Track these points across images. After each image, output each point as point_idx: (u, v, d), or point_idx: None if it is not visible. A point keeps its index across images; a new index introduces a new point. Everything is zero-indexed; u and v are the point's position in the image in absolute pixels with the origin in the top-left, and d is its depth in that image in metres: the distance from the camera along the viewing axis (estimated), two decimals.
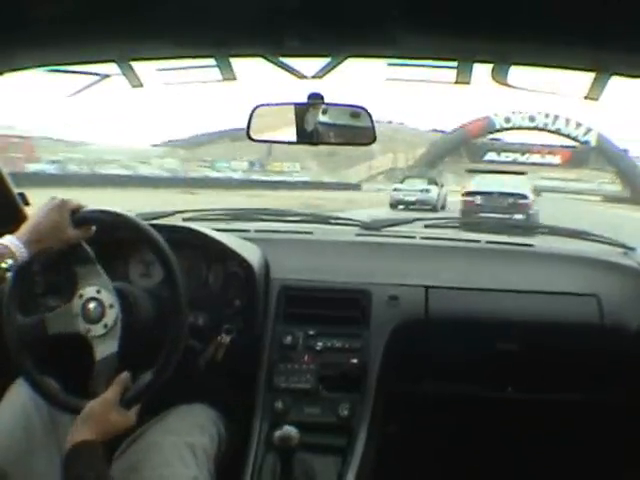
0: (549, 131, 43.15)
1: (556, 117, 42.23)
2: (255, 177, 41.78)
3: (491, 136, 44.27)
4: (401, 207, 18.34)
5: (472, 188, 13.33)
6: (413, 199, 18.61)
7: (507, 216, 11.42)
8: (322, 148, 1.76)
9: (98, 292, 1.40)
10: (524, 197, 12.69)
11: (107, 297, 1.40)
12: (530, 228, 2.32)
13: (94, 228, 1.41)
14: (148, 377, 1.38)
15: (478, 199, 12.73)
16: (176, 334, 1.40)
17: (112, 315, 1.39)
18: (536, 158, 44.59)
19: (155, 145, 60.73)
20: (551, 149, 44.68)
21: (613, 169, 41.59)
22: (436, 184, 20.18)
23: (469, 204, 12.74)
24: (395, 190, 19.58)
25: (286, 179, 39.23)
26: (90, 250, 1.43)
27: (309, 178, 43.65)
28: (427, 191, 19.18)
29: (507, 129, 43.62)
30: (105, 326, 1.38)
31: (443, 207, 18.90)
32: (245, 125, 1.63)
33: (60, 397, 1.41)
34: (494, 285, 1.90)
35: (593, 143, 42.02)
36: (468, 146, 42.20)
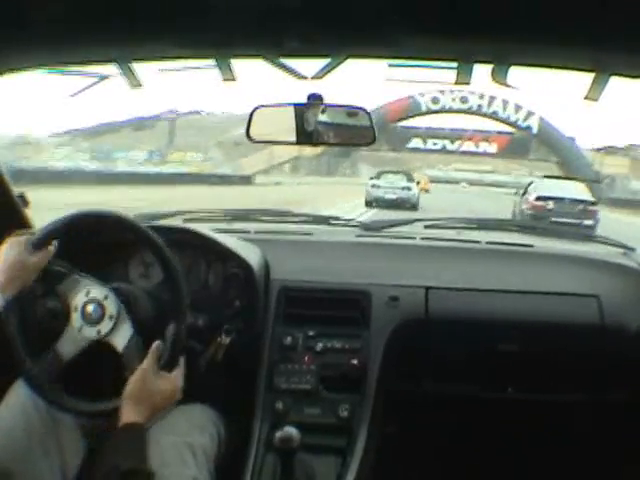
0: (484, 115, 36.61)
1: (492, 98, 35.68)
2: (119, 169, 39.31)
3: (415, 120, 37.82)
4: (375, 205, 17.21)
5: (542, 193, 13.33)
6: (394, 197, 17.73)
7: (578, 221, 11.92)
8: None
9: (87, 294, 1.40)
10: (593, 204, 13.19)
11: (98, 292, 1.41)
12: (530, 227, 2.32)
13: (55, 243, 1.42)
14: (172, 329, 1.39)
15: (550, 204, 12.86)
16: (175, 335, 1.40)
17: (111, 304, 1.40)
18: (469, 146, 38.91)
19: (55, 135, 59.29)
20: (486, 135, 38.54)
21: (556, 159, 35.23)
22: (413, 181, 19.50)
23: (540, 208, 12.80)
24: (373, 187, 18.33)
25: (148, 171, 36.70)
26: (61, 264, 1.44)
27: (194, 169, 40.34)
28: (408, 189, 18.37)
29: (434, 112, 36.82)
30: (110, 318, 1.39)
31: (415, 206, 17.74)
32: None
33: (85, 408, 1.41)
34: (494, 286, 1.90)
35: (535, 129, 36.01)
36: (387, 131, 34.99)
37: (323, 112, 1.60)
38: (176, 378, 1.38)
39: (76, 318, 1.40)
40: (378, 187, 18.36)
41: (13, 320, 1.38)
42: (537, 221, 11.61)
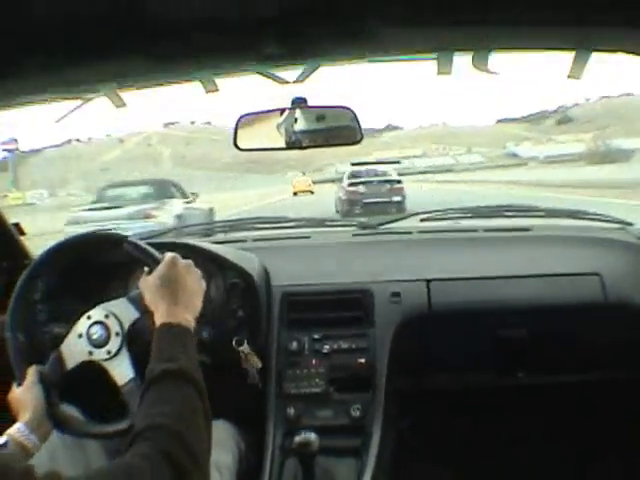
0: None
1: None
2: None
3: None
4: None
5: (354, 179, 14.70)
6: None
7: (387, 199, 13.59)
8: None
9: (89, 318, 1.37)
10: (399, 182, 14.67)
11: (113, 323, 1.37)
12: (526, 211, 2.31)
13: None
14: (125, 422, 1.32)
15: (361, 188, 14.26)
16: None
17: (114, 322, 1.36)
18: None
19: None
20: None
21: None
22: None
23: (353, 194, 14.18)
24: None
25: None
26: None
27: None
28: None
29: None
30: (117, 335, 1.35)
31: None
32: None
33: (88, 429, 1.39)
34: (495, 272, 1.90)
35: None
36: None
37: (311, 116, 1.60)
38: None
39: (83, 344, 1.38)
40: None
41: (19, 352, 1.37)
42: (353, 206, 13.68)
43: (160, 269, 1.27)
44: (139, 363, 1.36)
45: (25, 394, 1.28)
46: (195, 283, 1.30)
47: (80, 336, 1.37)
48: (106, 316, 1.38)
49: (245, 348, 1.66)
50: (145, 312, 1.35)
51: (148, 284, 1.27)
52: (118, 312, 1.36)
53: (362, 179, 14.61)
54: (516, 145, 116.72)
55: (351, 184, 14.51)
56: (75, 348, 1.36)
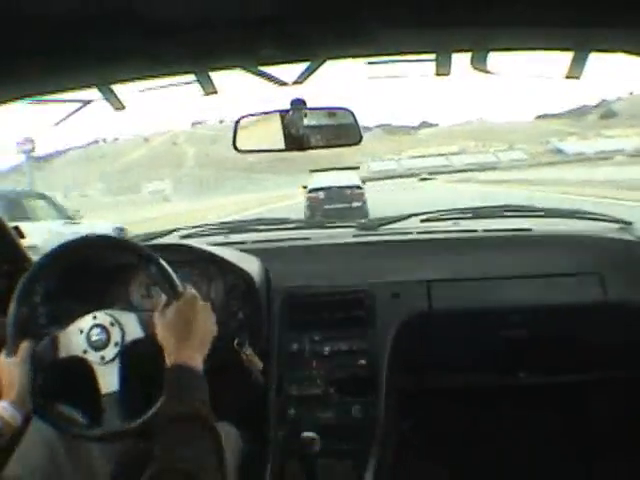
0: None
1: None
2: None
3: None
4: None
5: (313, 185, 14.66)
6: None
7: (348, 205, 13.74)
8: None
9: (94, 318, 1.39)
10: (359, 187, 14.66)
11: (116, 333, 1.37)
12: (526, 211, 2.31)
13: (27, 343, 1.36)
14: (129, 423, 1.33)
15: (321, 194, 14.26)
16: None
17: (117, 331, 1.37)
18: None
19: None
20: None
21: None
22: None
23: (314, 200, 14.26)
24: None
25: None
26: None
27: None
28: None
29: None
30: (116, 344, 1.35)
31: None
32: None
33: (75, 429, 1.39)
34: (495, 273, 1.90)
35: None
36: None
37: (308, 117, 1.60)
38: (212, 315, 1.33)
39: (81, 341, 1.38)
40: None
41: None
42: (313, 211, 13.78)
43: (180, 306, 1.28)
44: (125, 378, 1.36)
45: (14, 369, 1.29)
46: (210, 326, 1.32)
47: (81, 332, 1.37)
48: (111, 323, 1.38)
49: (246, 349, 1.66)
50: (150, 335, 1.36)
51: (165, 318, 1.27)
52: (124, 324, 1.37)
53: (322, 185, 14.49)
54: (560, 141, 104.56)
55: (311, 190, 14.60)
56: (72, 340, 1.37)
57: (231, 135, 1.68)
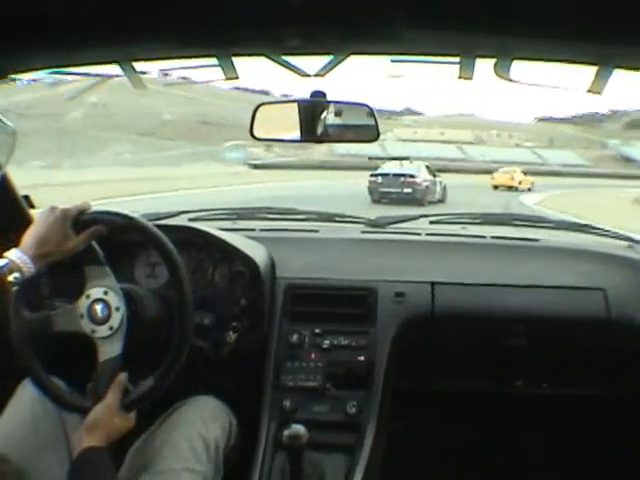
0: None
1: None
2: None
3: None
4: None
5: (377, 171, 17.83)
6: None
7: (399, 190, 16.44)
8: None
9: (105, 294, 1.40)
10: (412, 176, 17.09)
11: (114, 299, 1.40)
12: (535, 221, 2.31)
13: (103, 228, 1.41)
14: (149, 382, 1.39)
15: (379, 179, 17.20)
16: (181, 335, 1.40)
17: (118, 318, 1.39)
18: None
19: None
20: None
21: None
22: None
23: (373, 183, 17.19)
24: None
25: None
26: (100, 251, 1.44)
27: None
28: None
29: None
30: (110, 328, 1.38)
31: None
32: None
33: (66, 397, 1.42)
34: (500, 280, 1.90)
35: None
36: None
37: (327, 110, 1.60)
38: (131, 419, 1.39)
39: (83, 305, 1.40)
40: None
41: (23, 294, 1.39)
42: (371, 193, 16.77)
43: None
44: (124, 353, 1.39)
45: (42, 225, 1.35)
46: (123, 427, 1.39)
47: (83, 306, 1.40)
48: (105, 292, 1.40)
49: (231, 337, 1.67)
50: (151, 310, 1.42)
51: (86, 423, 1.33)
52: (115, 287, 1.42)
53: (382, 172, 17.59)
54: (622, 145, 74.01)
55: (372, 175, 17.59)
56: (72, 314, 1.41)
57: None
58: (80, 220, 1.38)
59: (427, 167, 18.66)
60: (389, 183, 16.83)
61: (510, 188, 26.80)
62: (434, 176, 18.38)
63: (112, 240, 1.69)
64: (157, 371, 1.39)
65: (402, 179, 16.94)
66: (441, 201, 17.63)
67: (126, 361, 1.40)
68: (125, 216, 1.44)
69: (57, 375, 1.44)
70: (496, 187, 27.33)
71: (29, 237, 1.33)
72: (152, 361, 1.40)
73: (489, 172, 31.00)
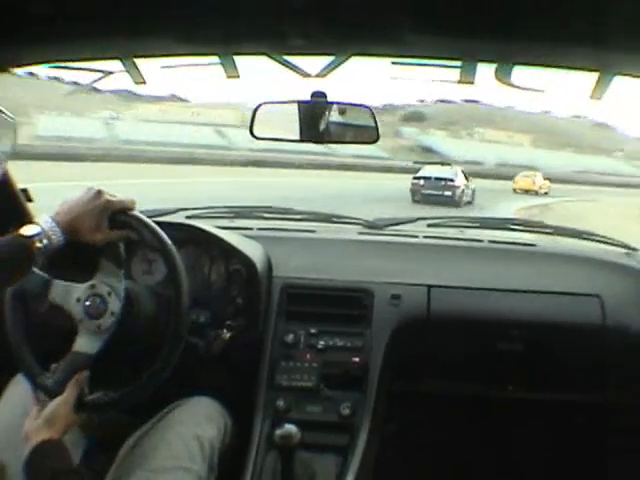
0: None
1: None
2: None
3: None
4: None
5: (418, 174, 19.01)
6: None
7: (440, 192, 17.50)
8: None
9: (109, 294, 1.39)
10: (452, 180, 18.22)
11: (114, 303, 1.39)
12: (532, 226, 2.31)
13: (135, 235, 1.41)
14: (110, 395, 1.37)
15: (422, 182, 18.40)
16: (176, 333, 1.40)
17: (109, 321, 1.38)
18: None
19: None
20: None
21: None
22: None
23: (416, 185, 18.44)
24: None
25: None
26: (123, 252, 1.43)
27: None
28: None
29: None
30: (98, 327, 1.37)
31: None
32: None
33: (36, 377, 1.41)
34: (497, 285, 1.90)
35: None
36: None
37: (329, 111, 1.60)
38: (77, 419, 1.38)
39: (84, 291, 1.39)
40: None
41: (17, 315, 1.38)
42: (414, 195, 18.01)
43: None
44: (109, 349, 1.39)
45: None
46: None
47: (78, 300, 1.39)
48: (109, 293, 1.40)
49: (225, 335, 1.67)
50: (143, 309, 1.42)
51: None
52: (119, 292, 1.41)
53: (424, 175, 18.76)
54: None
55: (415, 178, 18.86)
56: (64, 291, 1.39)
57: None
58: (119, 218, 1.37)
59: (462, 172, 19.64)
60: (431, 186, 17.98)
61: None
62: (467, 179, 19.48)
63: None
64: (155, 364, 1.38)
65: (443, 182, 18.06)
66: (470, 203, 18.86)
67: (100, 364, 1.39)
68: (158, 236, 1.42)
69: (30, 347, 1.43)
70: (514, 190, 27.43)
71: (66, 209, 1.31)
72: (124, 375, 1.39)
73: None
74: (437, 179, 18.19)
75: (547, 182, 29.26)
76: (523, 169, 32.37)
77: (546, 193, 27.53)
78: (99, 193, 1.35)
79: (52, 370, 1.36)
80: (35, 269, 1.34)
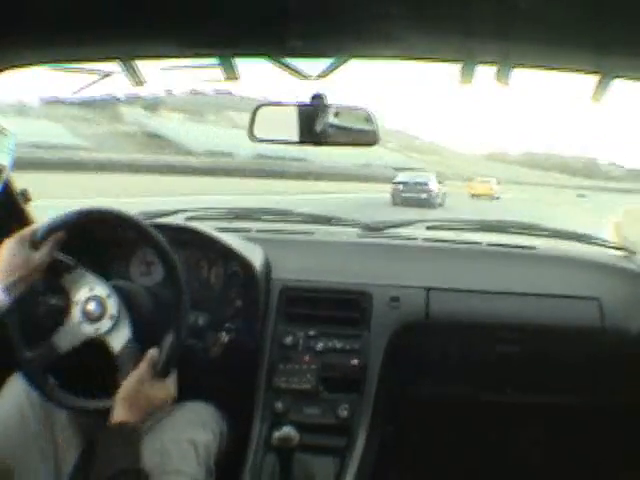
0: None
1: None
2: None
3: None
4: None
5: (398, 179, 21.10)
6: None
7: (417, 195, 19.23)
8: None
9: (91, 290, 1.40)
10: (426, 184, 20.45)
11: (102, 290, 1.40)
12: (530, 229, 2.31)
13: (60, 234, 1.39)
14: (170, 338, 1.38)
15: (400, 186, 20.32)
16: (175, 335, 1.39)
17: (114, 305, 1.39)
18: None
19: None
20: None
21: None
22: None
23: (395, 189, 20.31)
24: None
25: None
26: (65, 257, 1.43)
27: None
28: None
29: None
30: (111, 317, 1.38)
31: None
32: None
33: (56, 394, 1.41)
34: (495, 287, 1.90)
35: None
36: None
37: (327, 113, 1.59)
38: (169, 385, 1.38)
39: (77, 313, 1.39)
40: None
41: (14, 319, 1.37)
42: (394, 197, 19.83)
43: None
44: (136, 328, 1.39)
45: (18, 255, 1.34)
46: (159, 396, 1.38)
47: (76, 303, 1.40)
48: (108, 295, 1.40)
49: (224, 338, 1.67)
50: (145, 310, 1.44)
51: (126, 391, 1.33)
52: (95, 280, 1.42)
53: (402, 180, 20.82)
54: None
55: (394, 182, 20.81)
56: (66, 334, 1.40)
57: None
58: (35, 238, 1.36)
59: (435, 176, 22.14)
60: (409, 189, 19.99)
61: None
62: (440, 183, 21.65)
63: (107, 237, 1.69)
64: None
65: (419, 186, 20.19)
66: (441, 205, 20.59)
67: (95, 367, 1.40)
68: (118, 212, 1.43)
69: (77, 383, 1.43)
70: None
71: None
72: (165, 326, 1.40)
73: None
74: (415, 183, 20.39)
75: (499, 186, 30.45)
76: None
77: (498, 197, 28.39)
78: (10, 240, 1.36)
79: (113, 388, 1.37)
80: (28, 352, 1.38)
